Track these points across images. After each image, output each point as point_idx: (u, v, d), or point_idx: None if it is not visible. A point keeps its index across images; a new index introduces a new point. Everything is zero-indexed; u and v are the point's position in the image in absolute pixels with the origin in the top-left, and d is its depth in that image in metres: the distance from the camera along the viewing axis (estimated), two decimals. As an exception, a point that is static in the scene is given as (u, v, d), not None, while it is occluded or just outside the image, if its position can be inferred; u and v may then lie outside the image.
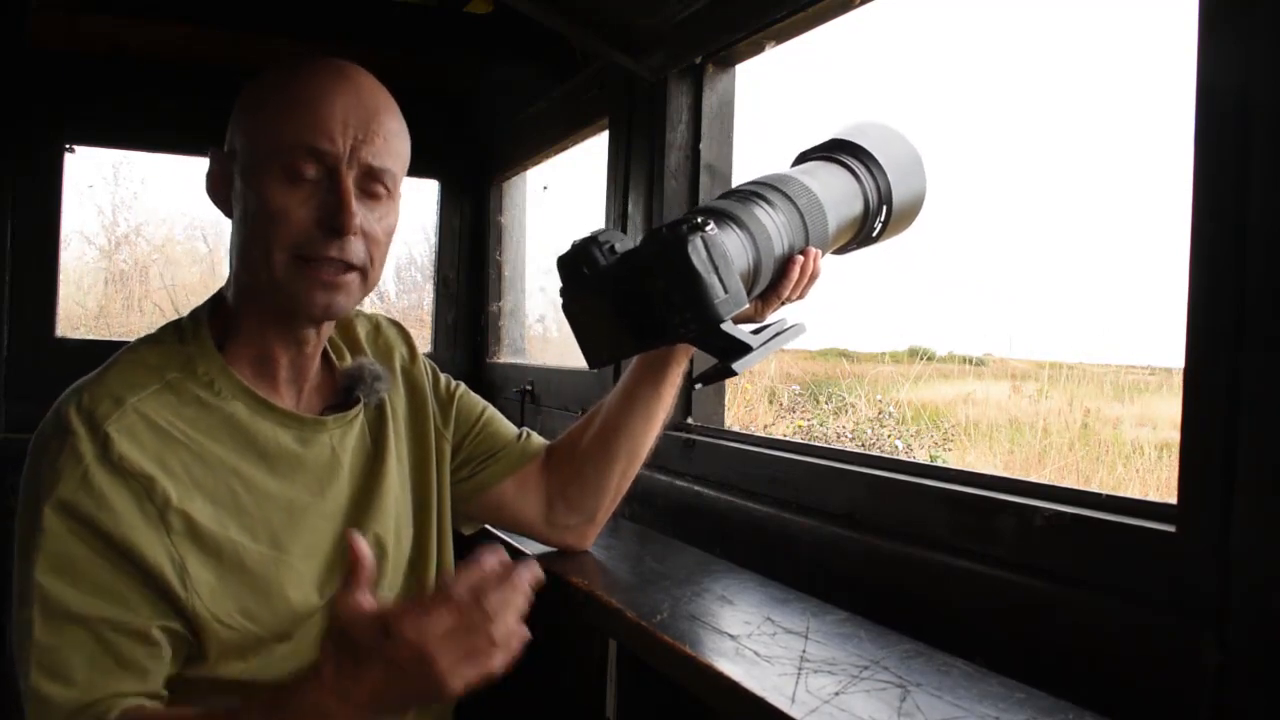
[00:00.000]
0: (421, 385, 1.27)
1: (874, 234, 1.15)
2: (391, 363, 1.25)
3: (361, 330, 1.25)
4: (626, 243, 1.00)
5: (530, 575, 0.88)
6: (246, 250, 1.04)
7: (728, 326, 0.93)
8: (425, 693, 0.83)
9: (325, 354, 1.19)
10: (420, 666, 0.82)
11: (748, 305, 0.96)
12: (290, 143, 1.00)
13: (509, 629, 0.86)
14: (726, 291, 0.91)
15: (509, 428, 1.34)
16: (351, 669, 0.83)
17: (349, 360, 1.21)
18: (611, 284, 0.96)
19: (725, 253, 0.92)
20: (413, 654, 0.81)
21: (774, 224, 1.01)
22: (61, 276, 2.41)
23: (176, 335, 1.08)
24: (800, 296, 1.11)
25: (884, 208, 1.14)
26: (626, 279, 0.95)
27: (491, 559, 0.87)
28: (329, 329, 1.15)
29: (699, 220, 0.92)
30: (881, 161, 1.12)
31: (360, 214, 1.02)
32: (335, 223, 1.00)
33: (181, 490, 0.98)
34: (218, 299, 1.12)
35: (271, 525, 1.04)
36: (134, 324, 4.91)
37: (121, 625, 0.94)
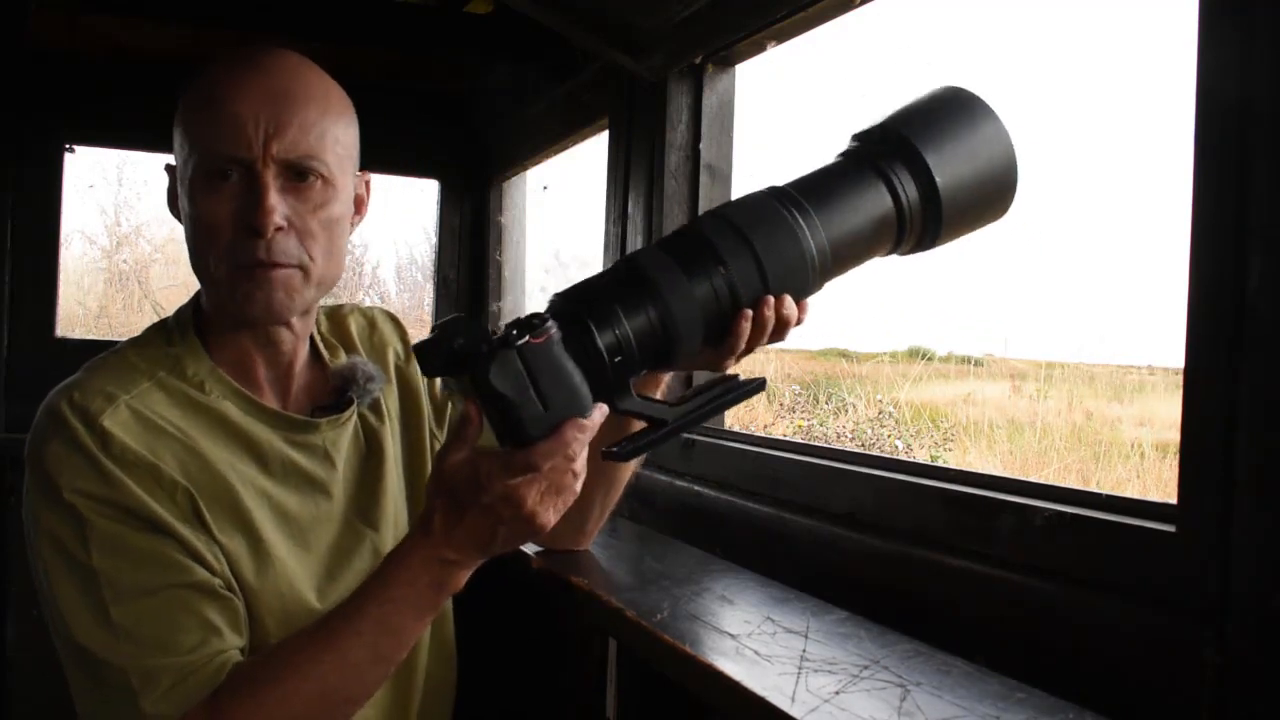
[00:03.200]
0: (416, 385, 1.24)
1: (924, 239, 0.98)
2: (386, 360, 1.22)
3: (354, 326, 1.23)
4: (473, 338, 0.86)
5: (600, 414, 0.89)
6: (193, 261, 1.03)
7: (630, 403, 0.88)
8: (519, 530, 0.90)
9: (316, 352, 1.16)
10: (511, 507, 0.88)
11: (593, 412, 0.87)
12: (205, 149, 0.98)
13: (583, 462, 0.90)
14: (547, 408, 0.83)
15: None
16: (456, 516, 0.89)
17: (342, 358, 1.18)
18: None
19: (552, 361, 0.83)
20: (503, 495, 0.87)
21: (709, 281, 0.89)
22: (62, 276, 2.41)
23: (163, 337, 1.07)
24: (770, 342, 1.00)
25: (929, 207, 0.94)
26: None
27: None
28: (305, 327, 1.11)
29: (536, 321, 0.83)
30: (927, 150, 0.93)
31: (285, 208, 0.98)
32: (250, 222, 0.97)
33: (181, 481, 0.98)
34: (198, 300, 1.10)
35: (264, 527, 1.03)
36: (135, 324, 4.91)
37: (192, 586, 0.94)
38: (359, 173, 1.09)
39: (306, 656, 0.92)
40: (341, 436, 1.12)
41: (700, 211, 1.61)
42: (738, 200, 0.96)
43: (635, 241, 1.70)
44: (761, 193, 0.95)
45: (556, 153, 2.26)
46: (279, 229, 0.98)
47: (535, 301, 2.63)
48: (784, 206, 0.93)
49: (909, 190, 0.94)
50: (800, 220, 0.92)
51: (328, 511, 1.09)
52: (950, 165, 0.94)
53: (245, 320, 1.04)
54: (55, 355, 2.29)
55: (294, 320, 1.07)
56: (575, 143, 2.15)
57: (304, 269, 1.01)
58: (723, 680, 0.87)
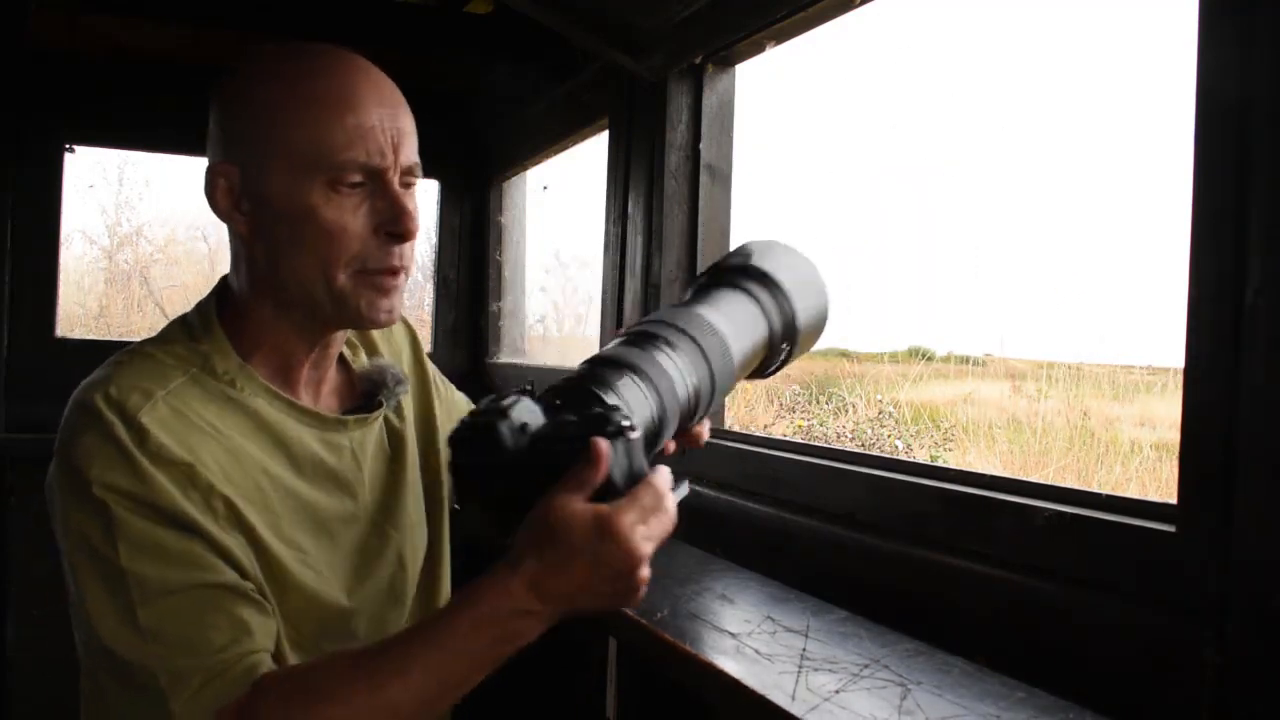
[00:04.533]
0: (429, 388, 1.24)
1: (779, 361, 1.07)
2: (402, 362, 1.22)
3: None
4: (538, 417, 0.85)
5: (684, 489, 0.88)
6: (291, 265, 0.99)
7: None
8: (621, 590, 0.85)
9: (339, 354, 1.16)
10: (627, 565, 0.82)
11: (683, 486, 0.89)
12: (332, 158, 0.96)
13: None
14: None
15: None
16: (557, 565, 0.82)
17: (363, 360, 1.18)
18: (539, 473, 0.83)
19: (639, 450, 0.85)
20: (624, 555, 0.82)
21: (676, 369, 0.93)
22: (62, 276, 2.42)
23: (187, 334, 1.05)
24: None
25: (790, 334, 1.05)
26: (535, 475, 0.84)
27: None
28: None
29: (624, 424, 0.83)
30: (787, 286, 1.04)
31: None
32: (397, 230, 0.98)
33: (217, 482, 0.96)
34: (222, 296, 1.08)
35: (296, 526, 1.01)
36: (135, 324, 4.91)
37: (222, 586, 0.92)
38: None
39: (346, 686, 0.87)
40: (368, 438, 1.12)
41: (700, 211, 1.61)
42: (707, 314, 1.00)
43: (635, 241, 1.70)
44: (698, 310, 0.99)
45: (556, 153, 2.26)
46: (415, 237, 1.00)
47: (535, 301, 2.63)
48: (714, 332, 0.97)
49: (774, 319, 1.03)
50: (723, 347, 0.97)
51: (354, 512, 1.08)
52: (799, 299, 1.05)
53: (355, 323, 1.03)
54: (55, 355, 2.29)
55: None
56: (575, 143, 2.15)
57: (408, 272, 1.03)
58: (723, 679, 0.87)
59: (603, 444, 0.82)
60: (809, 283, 1.05)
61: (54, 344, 2.31)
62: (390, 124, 0.98)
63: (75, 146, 2.35)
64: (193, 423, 0.97)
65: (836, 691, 0.83)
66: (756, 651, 0.93)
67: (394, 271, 1.00)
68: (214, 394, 1.00)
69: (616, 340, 0.96)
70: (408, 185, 1.01)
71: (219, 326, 1.05)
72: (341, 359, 1.16)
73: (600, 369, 0.89)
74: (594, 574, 0.83)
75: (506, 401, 0.82)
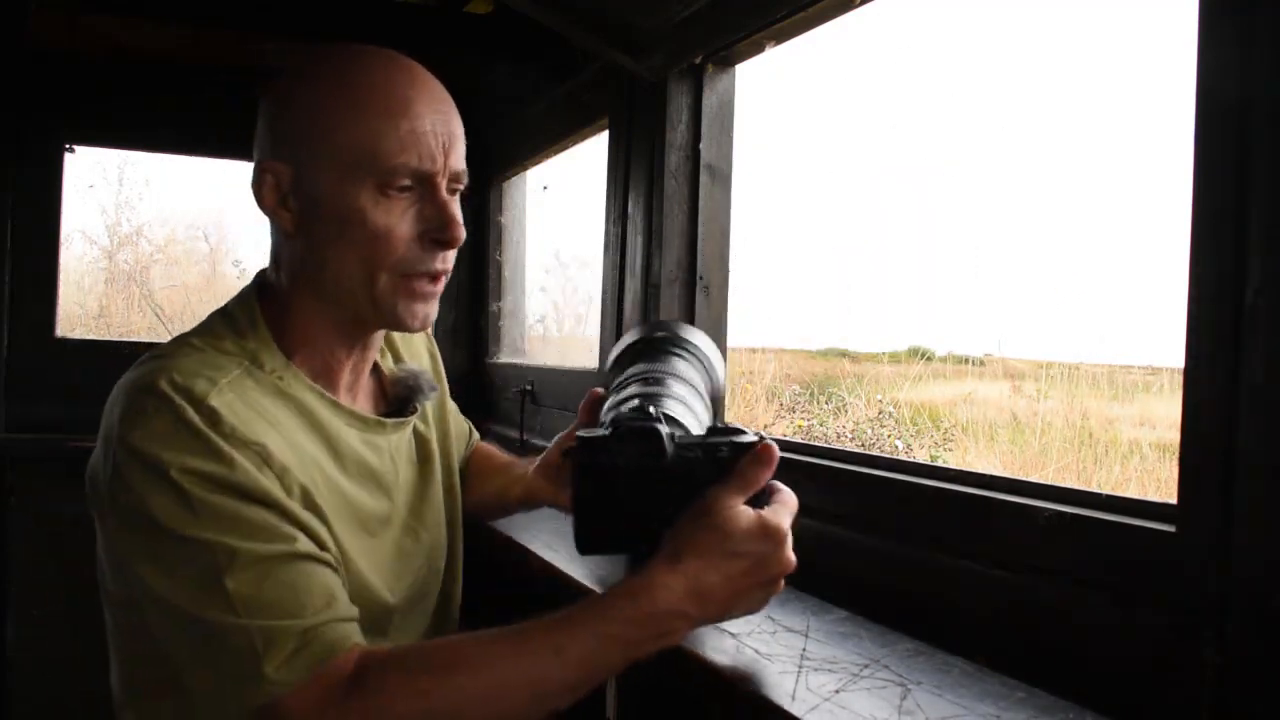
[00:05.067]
0: (445, 396, 1.26)
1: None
2: (424, 367, 1.24)
3: (397, 333, 1.23)
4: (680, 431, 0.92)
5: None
6: (335, 264, 0.99)
7: None
8: (761, 600, 0.90)
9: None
10: (781, 569, 0.88)
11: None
12: (384, 161, 0.96)
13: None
14: None
15: (464, 421, 1.40)
16: (721, 563, 0.85)
17: (390, 362, 1.19)
18: (676, 484, 0.89)
19: None
20: (781, 559, 0.88)
21: (695, 416, 1.02)
22: (62, 276, 2.42)
23: (232, 328, 1.02)
24: None
25: (719, 397, 1.17)
26: (689, 483, 0.89)
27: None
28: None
29: (761, 438, 0.92)
30: (710, 358, 1.15)
31: None
32: (443, 237, 0.99)
33: (290, 465, 0.94)
34: (263, 292, 1.06)
35: (342, 522, 1.01)
36: (135, 324, 4.91)
37: (309, 556, 0.90)
38: None
39: (485, 657, 0.85)
40: (401, 440, 1.13)
41: (700, 211, 1.61)
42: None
43: (635, 242, 1.70)
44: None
45: (556, 153, 2.26)
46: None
47: (535, 301, 2.63)
48: None
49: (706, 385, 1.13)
50: None
51: (390, 514, 1.09)
52: (716, 370, 1.15)
53: (393, 326, 1.03)
54: (55, 355, 2.29)
55: None
56: (575, 143, 2.15)
57: (446, 278, 1.04)
58: (723, 679, 0.87)
59: (774, 447, 0.89)
60: (718, 359, 1.17)
61: (54, 344, 2.31)
62: (442, 129, 0.98)
63: (75, 146, 2.35)
64: (256, 411, 0.95)
65: (836, 691, 0.83)
66: (756, 651, 0.93)
67: (434, 277, 1.01)
68: (267, 388, 0.99)
69: (633, 385, 1.04)
70: (454, 191, 1.02)
71: (264, 324, 1.03)
72: (374, 363, 1.16)
73: (660, 401, 0.98)
74: (751, 576, 0.87)
75: (652, 413, 0.89)
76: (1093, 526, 0.88)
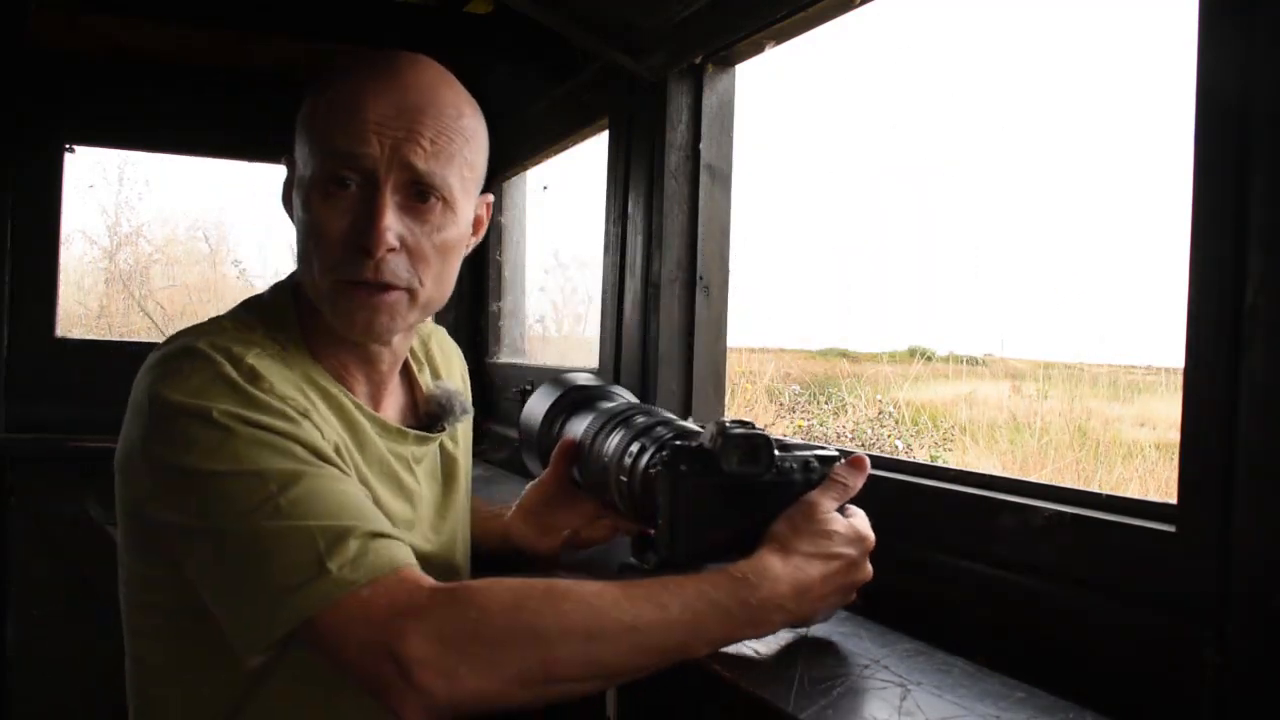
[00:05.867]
0: (470, 417, 1.23)
1: None
2: (458, 386, 1.22)
3: (435, 346, 1.21)
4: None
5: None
6: (299, 265, 0.98)
7: None
8: (840, 604, 0.94)
9: (407, 368, 1.14)
10: (865, 573, 0.93)
11: None
12: (327, 153, 0.92)
13: None
14: None
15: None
16: (824, 558, 0.90)
17: (426, 376, 1.17)
18: (772, 492, 0.95)
19: None
20: (867, 563, 0.93)
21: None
22: (62, 276, 2.42)
23: (263, 321, 1.00)
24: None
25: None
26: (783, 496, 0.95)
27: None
28: (404, 345, 1.08)
29: (835, 452, 0.99)
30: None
31: (401, 228, 0.93)
32: (363, 242, 0.92)
33: (326, 431, 0.93)
34: (298, 289, 1.03)
35: None
36: (135, 324, 4.91)
37: (361, 494, 0.90)
38: (480, 194, 1.05)
39: (591, 590, 0.83)
40: (426, 456, 1.12)
41: (700, 211, 1.61)
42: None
43: (635, 241, 1.70)
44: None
45: (556, 153, 2.26)
46: (391, 249, 0.93)
47: (535, 302, 2.63)
48: None
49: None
50: None
51: (411, 519, 1.07)
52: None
53: (347, 335, 0.99)
54: (55, 355, 2.29)
55: (395, 340, 1.04)
56: (575, 143, 2.15)
57: (411, 292, 0.96)
58: (723, 679, 0.87)
59: (867, 459, 0.96)
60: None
61: (54, 344, 2.31)
62: (397, 127, 0.92)
63: (75, 146, 2.35)
64: (292, 384, 0.94)
65: (837, 691, 0.83)
66: (756, 651, 0.93)
67: (366, 284, 0.94)
68: (299, 373, 0.97)
69: (638, 418, 1.11)
70: (414, 201, 0.95)
71: (296, 325, 1.01)
72: (409, 375, 1.15)
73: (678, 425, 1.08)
74: (842, 577, 0.91)
75: (754, 424, 0.95)
76: (1093, 526, 0.88)
